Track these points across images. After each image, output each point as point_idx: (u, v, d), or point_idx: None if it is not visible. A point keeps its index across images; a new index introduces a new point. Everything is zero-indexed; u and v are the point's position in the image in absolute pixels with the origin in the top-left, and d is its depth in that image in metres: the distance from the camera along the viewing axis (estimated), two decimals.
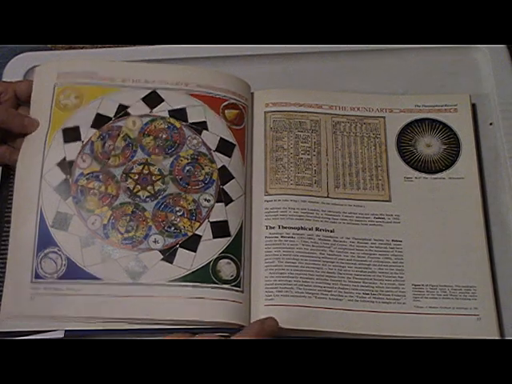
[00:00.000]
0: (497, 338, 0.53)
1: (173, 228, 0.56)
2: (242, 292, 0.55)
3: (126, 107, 0.60)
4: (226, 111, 0.61)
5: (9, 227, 0.57)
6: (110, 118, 0.60)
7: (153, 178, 0.58)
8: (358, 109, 0.63)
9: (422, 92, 0.64)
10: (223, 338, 0.52)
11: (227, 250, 0.56)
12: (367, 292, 0.55)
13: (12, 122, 0.59)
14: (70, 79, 0.61)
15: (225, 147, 0.59)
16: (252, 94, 0.63)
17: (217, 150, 0.59)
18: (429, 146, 0.62)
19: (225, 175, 0.58)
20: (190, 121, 0.60)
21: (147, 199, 0.57)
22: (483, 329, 0.54)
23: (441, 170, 0.60)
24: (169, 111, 0.60)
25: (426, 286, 0.56)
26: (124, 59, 0.66)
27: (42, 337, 0.53)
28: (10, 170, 0.61)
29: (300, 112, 0.62)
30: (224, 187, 0.58)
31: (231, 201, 0.57)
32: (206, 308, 0.53)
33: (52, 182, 0.57)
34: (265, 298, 0.55)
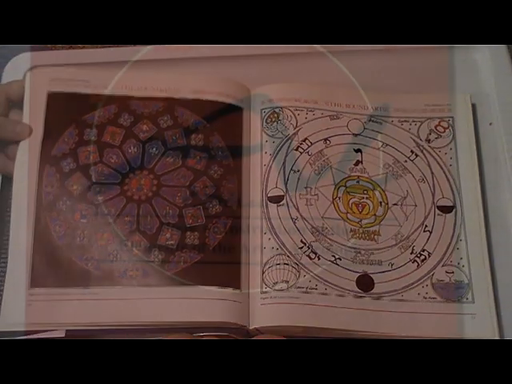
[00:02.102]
0: (493, 337, 0.53)
1: None
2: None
3: None
4: None
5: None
6: None
7: None
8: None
9: (422, 92, 0.64)
10: (223, 338, 0.52)
11: None
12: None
13: (3, 130, 0.58)
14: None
15: None
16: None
17: None
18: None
19: None
20: None
21: None
22: (479, 328, 0.54)
23: None
24: None
25: None
26: (124, 59, 0.67)
27: (43, 336, 0.53)
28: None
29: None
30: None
31: None
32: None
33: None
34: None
